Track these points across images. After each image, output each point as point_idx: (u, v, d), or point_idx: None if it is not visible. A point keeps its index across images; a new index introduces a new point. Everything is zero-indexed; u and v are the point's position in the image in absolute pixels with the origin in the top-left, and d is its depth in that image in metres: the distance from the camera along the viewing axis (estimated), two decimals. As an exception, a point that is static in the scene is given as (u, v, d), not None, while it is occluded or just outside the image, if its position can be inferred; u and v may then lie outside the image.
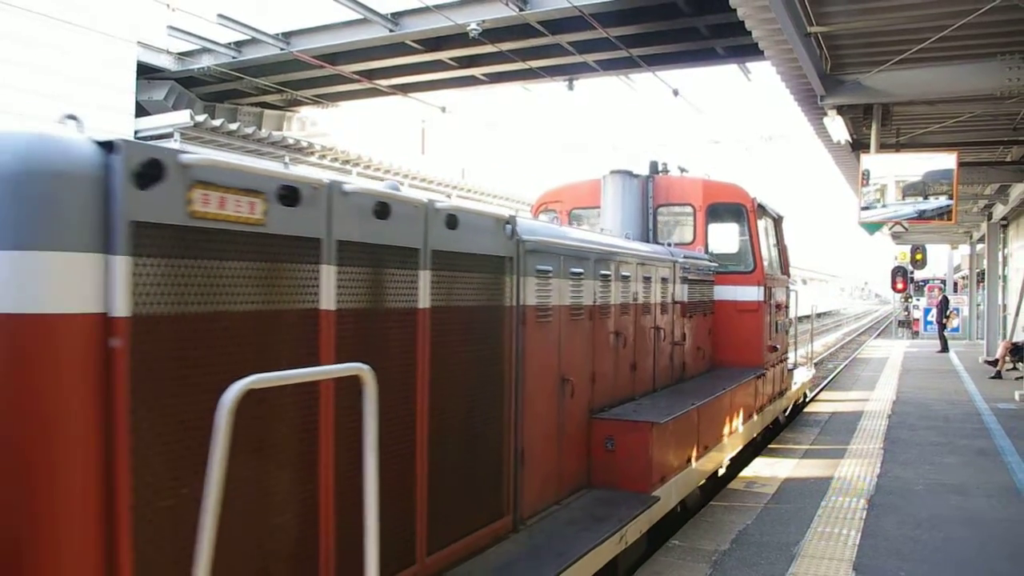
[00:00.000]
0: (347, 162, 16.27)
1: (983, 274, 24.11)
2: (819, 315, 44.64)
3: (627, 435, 5.44)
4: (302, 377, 2.50)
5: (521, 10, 12.29)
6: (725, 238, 9.36)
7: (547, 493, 4.80)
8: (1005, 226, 22.31)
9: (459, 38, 13.62)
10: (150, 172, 2.27)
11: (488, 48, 13.90)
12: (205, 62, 15.98)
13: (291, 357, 2.75)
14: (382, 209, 3.24)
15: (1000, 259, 22.75)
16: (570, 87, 15.94)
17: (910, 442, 9.57)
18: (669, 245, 8.20)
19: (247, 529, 2.52)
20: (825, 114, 10.83)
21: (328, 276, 2.94)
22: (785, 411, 10.97)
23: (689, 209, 9.09)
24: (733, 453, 7.87)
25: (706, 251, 8.97)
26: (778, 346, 10.23)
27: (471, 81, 16.78)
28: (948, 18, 8.07)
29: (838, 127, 11.25)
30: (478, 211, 4.16)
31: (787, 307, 10.98)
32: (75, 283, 2.13)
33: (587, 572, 4.17)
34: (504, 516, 4.21)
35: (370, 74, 16.16)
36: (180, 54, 16.16)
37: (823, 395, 14.17)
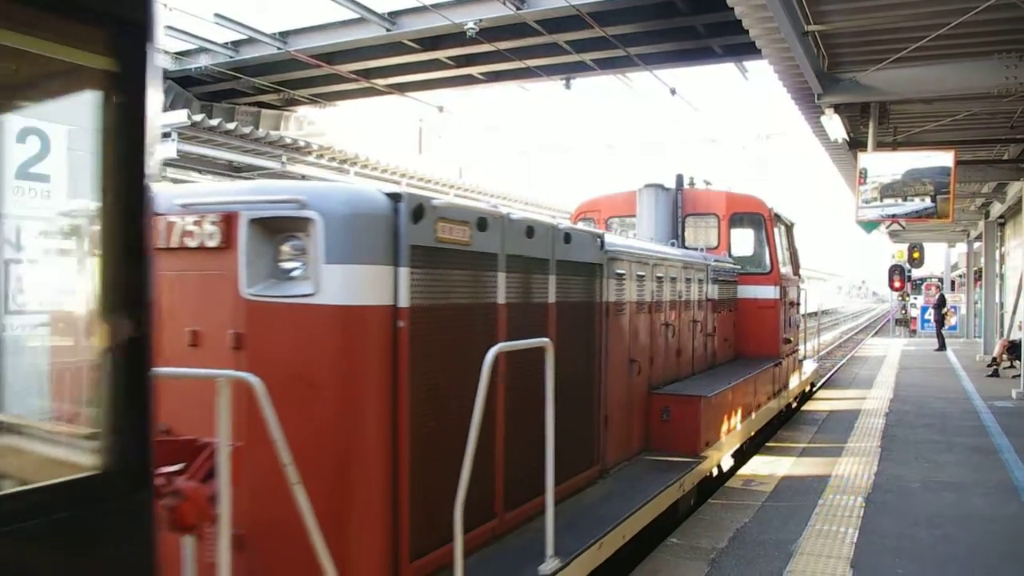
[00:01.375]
0: (344, 161, 16.25)
1: (980, 272, 24.14)
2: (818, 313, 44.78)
3: (681, 406, 6.64)
4: (522, 346, 3.90)
5: (518, 9, 12.28)
6: (746, 243, 10.59)
7: (620, 451, 6.00)
8: (1002, 224, 22.34)
9: (456, 37, 13.61)
10: (418, 212, 3.44)
11: (485, 47, 13.90)
12: (202, 62, 15.96)
13: (484, 335, 3.97)
14: (530, 231, 4.49)
15: (997, 257, 22.77)
16: (567, 86, 15.93)
17: (907, 440, 9.58)
18: (702, 251, 9.38)
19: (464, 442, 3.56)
20: (822, 113, 10.84)
21: (501, 280, 4.20)
22: (797, 397, 12.04)
23: (714, 218, 10.23)
24: (756, 428, 8.97)
25: (729, 255, 10.04)
26: (791, 339, 11.43)
27: (468, 80, 16.77)
28: (946, 16, 8.07)
29: (835, 126, 11.26)
30: (581, 229, 5.51)
31: (798, 304, 12.23)
32: (379, 285, 3.30)
33: (660, 508, 5.49)
34: (595, 465, 5.46)
35: (367, 73, 16.14)
36: (177, 54, 16.13)
37: (821, 393, 14.18)
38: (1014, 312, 19.85)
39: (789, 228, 11.51)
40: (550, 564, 3.77)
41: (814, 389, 14.14)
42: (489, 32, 13.15)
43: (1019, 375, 14.48)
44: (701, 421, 6.61)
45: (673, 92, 15.63)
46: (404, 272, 3.37)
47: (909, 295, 33.94)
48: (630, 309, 6.26)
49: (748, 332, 10.11)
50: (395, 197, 3.38)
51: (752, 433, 8.67)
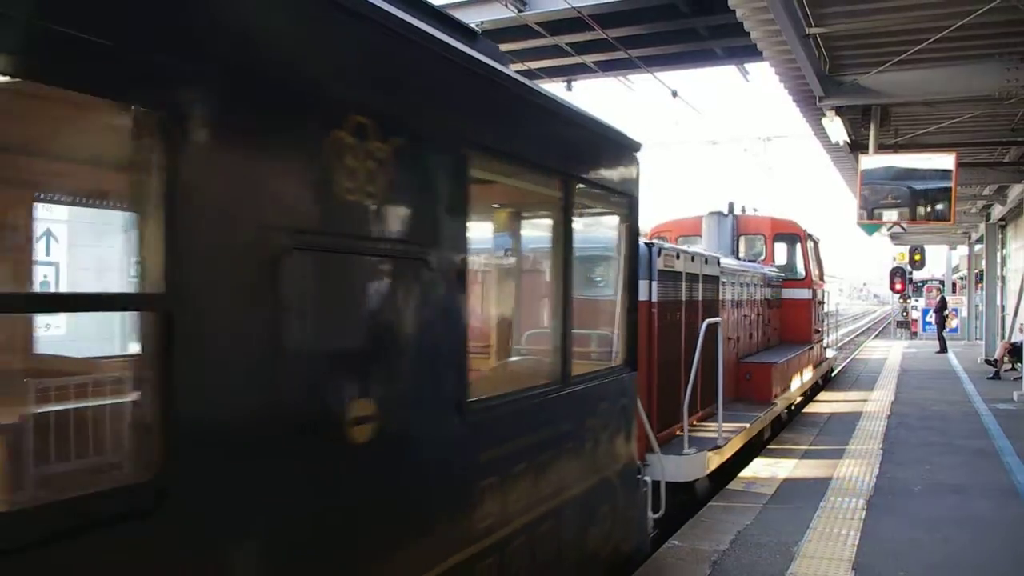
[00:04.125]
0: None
1: (981, 275, 24.12)
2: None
3: (759, 370, 10.07)
4: (715, 320, 7.90)
5: (520, 11, 12.29)
6: (785, 256, 14.04)
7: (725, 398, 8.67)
8: (1003, 227, 22.31)
9: (458, 39, 13.60)
10: (658, 252, 7.15)
11: (487, 49, 13.89)
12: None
13: (676, 317, 7.66)
14: (692, 258, 8.12)
15: (998, 260, 22.74)
16: (568, 88, 15.94)
17: (909, 442, 9.58)
18: (759, 263, 12.73)
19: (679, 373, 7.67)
20: (824, 115, 10.84)
21: (683, 287, 7.76)
22: (824, 375, 15.27)
23: (761, 237, 13.64)
24: (802, 392, 12.45)
25: (774, 265, 13.40)
26: (819, 330, 14.96)
27: (470, 82, 16.74)
28: (947, 19, 8.08)
29: (837, 128, 11.26)
30: (712, 254, 9.20)
31: (824, 303, 15.87)
32: (645, 290, 6.77)
33: (756, 430, 8.88)
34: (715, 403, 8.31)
35: (369, 75, 16.11)
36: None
37: (822, 395, 14.18)
38: (1015, 314, 19.81)
39: (816, 243, 14.66)
40: (720, 440, 7.50)
41: (833, 373, 17.02)
42: (491, 34, 13.12)
43: (1020, 377, 14.48)
44: (773, 380, 9.97)
45: (675, 94, 15.63)
46: (655, 284, 7.04)
47: (910, 297, 33.89)
48: (728, 305, 9.57)
49: (789, 323, 13.45)
50: (650, 245, 7.04)
51: (799, 396, 12.23)
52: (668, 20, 12.75)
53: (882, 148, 11.76)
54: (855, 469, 8.15)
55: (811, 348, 13.29)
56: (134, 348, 2.77)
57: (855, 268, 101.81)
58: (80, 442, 2.85)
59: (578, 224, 4.31)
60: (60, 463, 2.79)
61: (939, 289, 29.98)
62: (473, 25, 4.37)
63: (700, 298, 8.26)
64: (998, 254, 22.73)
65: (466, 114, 3.24)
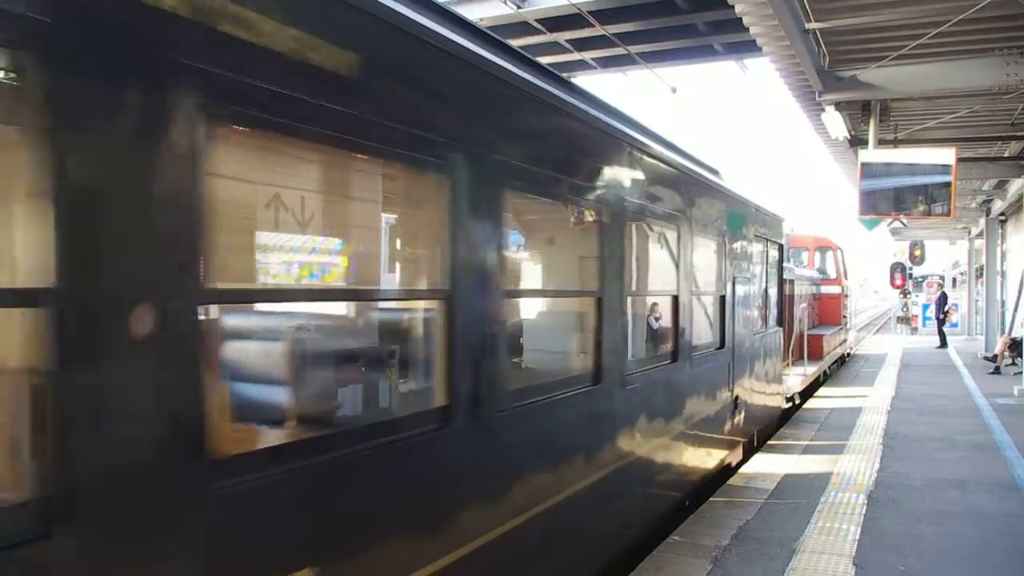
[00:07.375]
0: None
1: (982, 269, 24.10)
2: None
3: (815, 339, 14.53)
4: (803, 305, 14.38)
5: (519, 8, 12.27)
6: (822, 262, 19.39)
7: (800, 356, 13.56)
8: (1003, 221, 22.28)
9: (457, 36, 13.56)
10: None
11: (486, 46, 13.85)
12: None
13: (780, 304, 11.54)
14: (786, 270, 12.39)
15: (999, 254, 22.71)
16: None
17: (909, 437, 9.59)
18: (805, 267, 17.62)
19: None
20: (823, 110, 10.83)
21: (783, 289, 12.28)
22: (847, 353, 20.35)
23: (805, 250, 18.75)
24: (838, 357, 17.66)
25: (815, 269, 18.60)
26: (845, 316, 20.02)
27: (469, 79, 16.68)
28: (946, 14, 8.07)
29: (836, 123, 11.25)
30: (788, 265, 12.71)
31: (848, 297, 21.05)
32: None
33: (815, 376, 14.02)
34: (796, 356, 13.41)
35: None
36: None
37: (822, 391, 14.20)
38: (1015, 309, 19.81)
39: (842, 251, 19.98)
40: (808, 372, 13.23)
41: (852, 351, 21.64)
42: (490, 31, 13.13)
43: (1021, 372, 14.48)
44: (824, 345, 14.91)
45: (674, 91, 15.60)
46: None
47: (910, 293, 33.88)
48: (796, 298, 13.53)
49: (825, 311, 18.07)
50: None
51: (836, 359, 17.21)
52: (667, 16, 12.74)
53: (882, 143, 11.76)
54: (856, 464, 8.16)
55: (841, 329, 18.62)
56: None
57: (855, 263, 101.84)
58: None
59: (770, 260, 9.66)
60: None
61: (940, 284, 29.97)
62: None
63: (787, 293, 12.36)
64: (998, 249, 22.70)
65: (739, 223, 8.02)
